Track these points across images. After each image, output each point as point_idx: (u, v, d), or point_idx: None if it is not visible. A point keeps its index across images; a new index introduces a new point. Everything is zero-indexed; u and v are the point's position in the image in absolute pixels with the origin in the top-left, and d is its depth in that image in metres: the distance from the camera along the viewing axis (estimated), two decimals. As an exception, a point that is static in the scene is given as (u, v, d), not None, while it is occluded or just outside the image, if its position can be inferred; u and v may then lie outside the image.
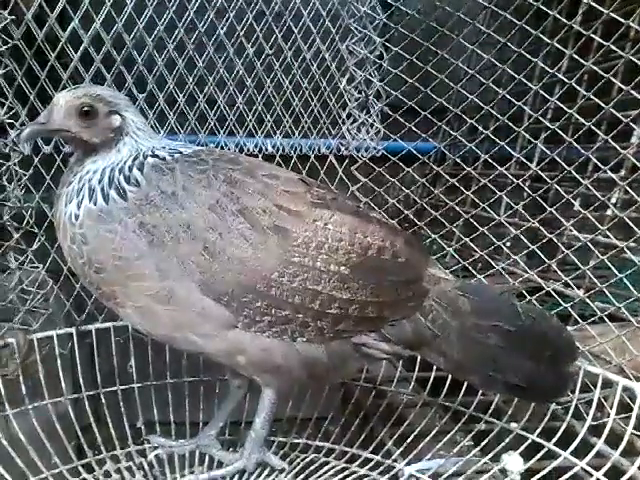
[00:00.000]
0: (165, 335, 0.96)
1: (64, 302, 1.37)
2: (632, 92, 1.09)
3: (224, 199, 0.90)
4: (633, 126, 1.12)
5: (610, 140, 1.11)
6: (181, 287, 0.89)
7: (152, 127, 1.39)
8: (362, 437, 1.18)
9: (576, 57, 1.17)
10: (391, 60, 1.51)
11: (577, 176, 1.18)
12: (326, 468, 1.08)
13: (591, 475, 0.95)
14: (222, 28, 1.41)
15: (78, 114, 0.95)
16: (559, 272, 1.23)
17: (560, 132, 1.22)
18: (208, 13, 1.39)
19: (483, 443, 1.10)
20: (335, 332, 0.93)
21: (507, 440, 1.09)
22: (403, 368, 1.40)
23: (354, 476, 1.05)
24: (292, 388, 1.04)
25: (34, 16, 1.23)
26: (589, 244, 1.19)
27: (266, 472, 1.05)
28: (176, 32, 1.37)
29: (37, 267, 1.32)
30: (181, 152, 0.98)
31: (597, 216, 1.22)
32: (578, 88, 1.17)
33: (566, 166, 1.19)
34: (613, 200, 1.32)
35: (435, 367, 1.26)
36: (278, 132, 1.54)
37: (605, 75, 1.10)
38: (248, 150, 1.52)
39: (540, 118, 1.26)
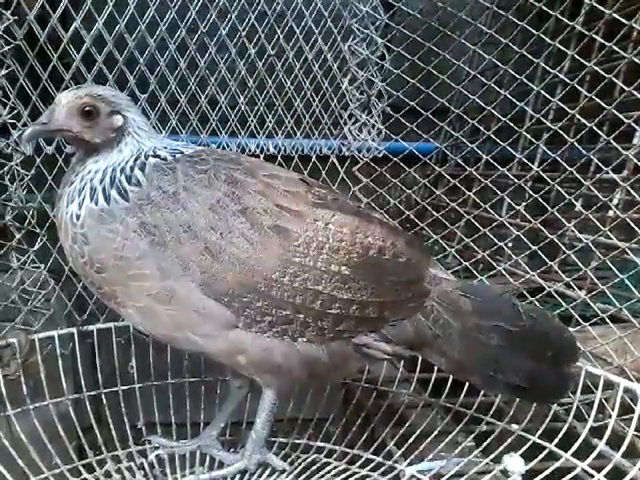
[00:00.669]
0: (166, 335, 0.96)
1: (65, 302, 1.37)
2: (634, 93, 1.08)
3: (225, 199, 0.90)
4: (635, 127, 1.11)
5: (612, 141, 1.11)
6: (182, 287, 0.89)
7: (154, 127, 1.40)
8: (363, 438, 1.18)
9: (578, 58, 1.16)
10: (393, 60, 1.51)
11: (579, 177, 1.18)
12: (327, 469, 1.08)
13: (592, 476, 0.95)
14: (224, 28, 1.41)
15: (80, 114, 0.95)
16: (560, 273, 1.23)
17: (562, 133, 1.22)
18: (210, 13, 1.39)
19: (484, 444, 1.10)
20: (336, 332, 0.93)
21: (508, 441, 1.09)
22: (404, 369, 1.40)
23: (355, 477, 1.05)
24: (293, 389, 1.03)
25: (36, 16, 1.23)
26: (590, 245, 1.19)
27: (267, 472, 1.05)
28: (178, 32, 1.37)
29: (39, 267, 1.32)
30: (182, 152, 0.98)
31: (599, 217, 1.22)
32: (580, 89, 1.17)
33: (568, 167, 1.19)
34: (615, 201, 1.32)
35: (436, 368, 1.26)
36: (280, 132, 1.53)
37: (607, 76, 1.10)
38: (250, 150, 1.52)
39: (542, 119, 1.26)
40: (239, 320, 0.91)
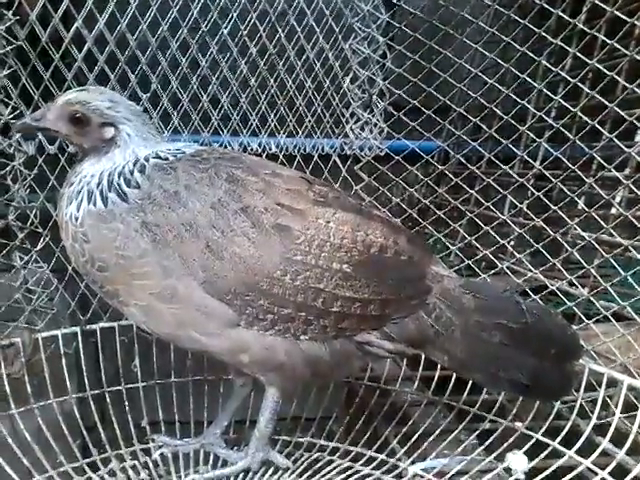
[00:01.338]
0: (169, 333, 0.96)
1: (69, 301, 1.37)
2: (637, 90, 1.08)
3: (226, 197, 0.90)
4: (637, 124, 1.11)
5: (614, 139, 1.11)
6: (184, 286, 0.89)
7: (156, 128, 1.40)
8: (366, 436, 1.18)
9: (580, 56, 1.16)
10: (394, 59, 1.51)
11: (581, 175, 1.17)
12: (330, 467, 1.08)
13: (596, 474, 0.95)
14: (225, 28, 1.41)
15: (69, 120, 0.96)
16: (563, 271, 1.23)
17: (564, 131, 1.22)
18: (211, 13, 1.40)
19: (487, 442, 1.10)
20: (338, 330, 0.93)
21: (512, 439, 1.09)
22: (407, 367, 1.40)
23: (358, 475, 1.05)
24: (296, 388, 1.03)
25: (38, 16, 1.23)
26: (594, 242, 1.19)
27: (271, 471, 1.05)
28: (180, 32, 1.37)
29: (42, 267, 1.33)
30: (184, 152, 0.98)
31: (601, 215, 1.22)
32: (582, 87, 1.17)
33: (570, 165, 1.19)
34: (617, 199, 1.32)
35: (439, 366, 1.26)
36: (282, 132, 1.54)
37: (609, 73, 1.10)
38: (252, 149, 1.52)
39: (544, 116, 1.26)
40: (241, 318, 0.91)
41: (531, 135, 1.40)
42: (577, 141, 1.19)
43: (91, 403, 1.22)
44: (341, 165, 1.56)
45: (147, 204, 0.90)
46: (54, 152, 1.34)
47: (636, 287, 1.15)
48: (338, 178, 1.55)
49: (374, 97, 1.56)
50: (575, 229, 1.25)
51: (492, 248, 1.37)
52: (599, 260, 1.24)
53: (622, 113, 1.12)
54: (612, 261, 1.16)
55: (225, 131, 1.48)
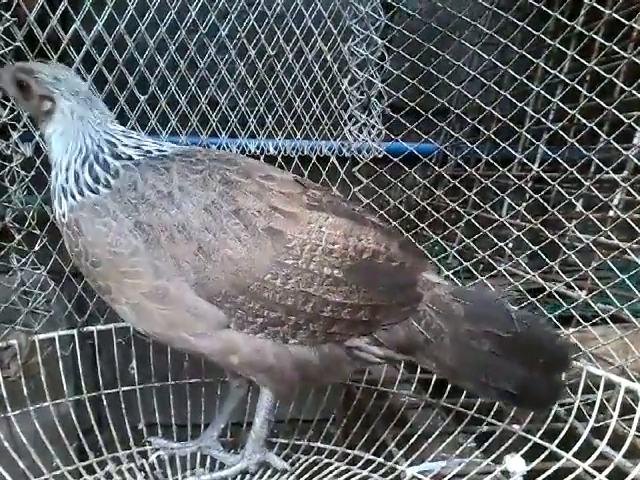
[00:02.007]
0: (159, 333, 0.96)
1: (66, 303, 1.37)
2: (635, 93, 1.08)
3: (219, 200, 0.90)
4: (635, 127, 1.11)
5: (612, 141, 1.11)
6: (175, 287, 0.89)
7: (155, 128, 1.40)
8: (364, 439, 1.18)
9: (578, 58, 1.16)
10: (393, 61, 1.51)
11: (579, 177, 1.17)
12: (328, 470, 1.08)
13: (594, 477, 0.95)
14: (224, 29, 1.41)
15: (16, 84, 1.00)
16: (561, 273, 1.23)
17: (562, 133, 1.22)
18: (210, 14, 1.40)
19: (486, 444, 1.10)
20: (327, 335, 0.93)
21: (509, 442, 1.09)
22: (405, 369, 1.40)
23: (356, 478, 1.05)
24: (291, 390, 1.03)
25: (36, 17, 1.23)
26: (591, 245, 1.19)
27: (268, 473, 1.05)
28: (178, 33, 1.37)
29: (39, 269, 1.32)
30: (149, 151, 0.98)
31: (599, 217, 1.22)
32: (580, 89, 1.17)
33: (568, 167, 1.19)
34: (615, 201, 1.32)
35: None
36: (280, 133, 1.53)
37: (607, 76, 1.10)
38: (250, 151, 1.52)
39: (542, 119, 1.26)
40: (231, 320, 0.91)
41: (529, 137, 1.40)
42: (575, 144, 1.19)
43: (88, 405, 1.22)
44: (339, 167, 1.56)
45: (141, 204, 0.90)
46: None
47: (634, 290, 1.15)
48: (336, 180, 1.55)
49: (372, 99, 1.56)
50: (573, 231, 1.25)
51: (490, 250, 1.37)
52: (597, 263, 1.23)
53: (620, 115, 1.12)
54: (610, 264, 1.16)
55: (223, 133, 1.48)
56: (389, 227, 1.00)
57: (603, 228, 1.16)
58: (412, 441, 1.14)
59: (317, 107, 1.56)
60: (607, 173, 1.15)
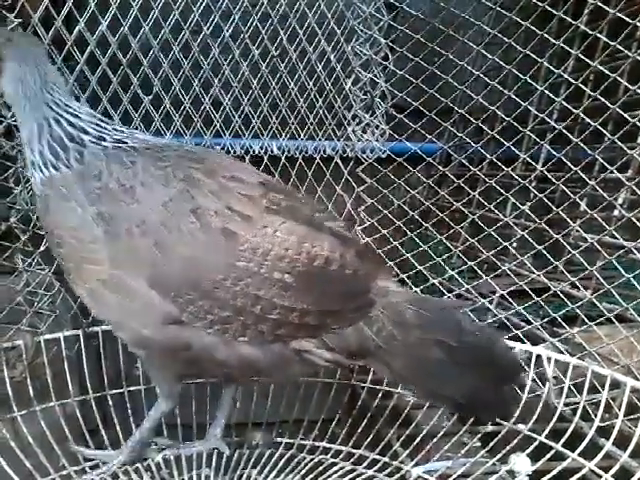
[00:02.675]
0: (112, 321, 0.98)
1: (71, 304, 1.37)
2: (639, 92, 1.08)
3: (179, 197, 0.91)
4: (640, 126, 1.11)
5: (617, 141, 1.11)
6: (131, 278, 0.90)
7: (159, 129, 1.40)
8: (369, 438, 1.18)
9: (582, 57, 1.16)
10: (396, 61, 1.51)
11: (584, 177, 1.17)
12: (334, 469, 1.08)
13: (600, 476, 0.95)
14: (227, 30, 1.41)
15: None
16: (566, 273, 1.23)
17: (567, 133, 1.22)
18: (213, 15, 1.40)
19: (491, 444, 1.10)
20: (275, 336, 0.93)
21: (515, 441, 1.09)
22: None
23: (362, 478, 1.05)
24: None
25: (41, 19, 1.23)
26: (596, 245, 1.19)
27: (274, 473, 1.05)
28: (182, 34, 1.37)
29: (44, 269, 1.33)
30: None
31: (604, 217, 1.22)
32: (584, 88, 1.16)
33: (573, 167, 1.19)
34: (620, 201, 1.31)
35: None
36: (284, 134, 1.54)
37: (611, 75, 1.10)
38: (254, 152, 1.52)
39: (546, 118, 1.26)
40: (183, 315, 0.91)
41: (533, 137, 1.40)
42: (580, 143, 1.19)
43: (93, 405, 1.22)
44: (343, 167, 1.56)
45: (104, 195, 0.91)
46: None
47: (639, 289, 1.15)
48: (340, 180, 1.55)
49: (376, 99, 1.56)
50: (577, 231, 1.25)
51: (494, 250, 1.37)
52: (602, 262, 1.23)
53: (625, 115, 1.12)
54: (615, 263, 1.16)
55: (227, 133, 1.48)
56: (348, 234, 0.99)
57: (608, 227, 1.16)
58: (417, 441, 1.13)
59: (321, 107, 1.56)
60: (612, 173, 1.15)
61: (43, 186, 0.96)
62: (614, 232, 1.15)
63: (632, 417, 1.05)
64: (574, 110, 1.19)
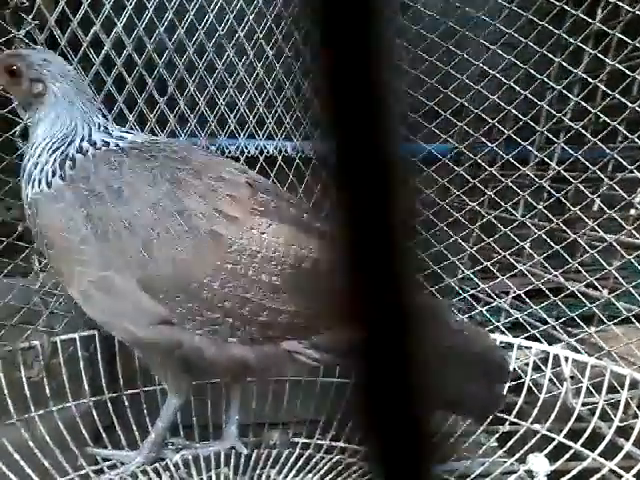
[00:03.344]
0: (105, 321, 0.98)
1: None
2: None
3: (166, 199, 0.91)
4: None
5: (636, 139, 1.11)
6: (121, 280, 0.91)
7: (174, 131, 1.41)
8: (386, 439, 1.17)
9: (600, 56, 1.16)
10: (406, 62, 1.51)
11: (602, 175, 1.17)
12: (353, 469, 1.08)
13: (620, 477, 0.94)
14: (242, 31, 1.42)
15: (6, 71, 1.00)
16: (584, 272, 1.22)
17: (584, 132, 1.21)
18: (227, 16, 1.40)
19: (509, 444, 1.10)
20: (264, 337, 0.94)
21: (533, 441, 1.08)
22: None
23: (380, 477, 1.05)
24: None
25: (56, 21, 1.24)
26: (615, 244, 1.18)
27: (293, 473, 1.05)
28: (196, 35, 1.38)
29: (59, 270, 1.33)
30: (127, 138, 0.99)
31: (620, 216, 1.22)
32: (602, 87, 1.17)
33: (591, 166, 1.19)
34: (637, 199, 1.31)
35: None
36: (298, 134, 1.54)
37: (630, 74, 1.10)
38: (268, 153, 1.52)
39: (563, 117, 1.26)
40: (173, 316, 0.92)
41: (547, 135, 1.40)
42: (598, 142, 1.18)
43: (109, 405, 1.22)
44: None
45: (92, 197, 0.92)
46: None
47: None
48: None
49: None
50: (592, 230, 1.25)
51: (509, 251, 1.36)
52: (619, 262, 1.23)
53: (641, 113, 1.12)
54: (634, 262, 1.15)
55: (242, 134, 1.48)
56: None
57: (626, 227, 1.15)
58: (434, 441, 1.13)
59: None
60: (631, 172, 1.15)
61: (34, 195, 0.96)
62: (634, 232, 1.15)
63: (652, 417, 1.04)
64: (591, 109, 1.19)
